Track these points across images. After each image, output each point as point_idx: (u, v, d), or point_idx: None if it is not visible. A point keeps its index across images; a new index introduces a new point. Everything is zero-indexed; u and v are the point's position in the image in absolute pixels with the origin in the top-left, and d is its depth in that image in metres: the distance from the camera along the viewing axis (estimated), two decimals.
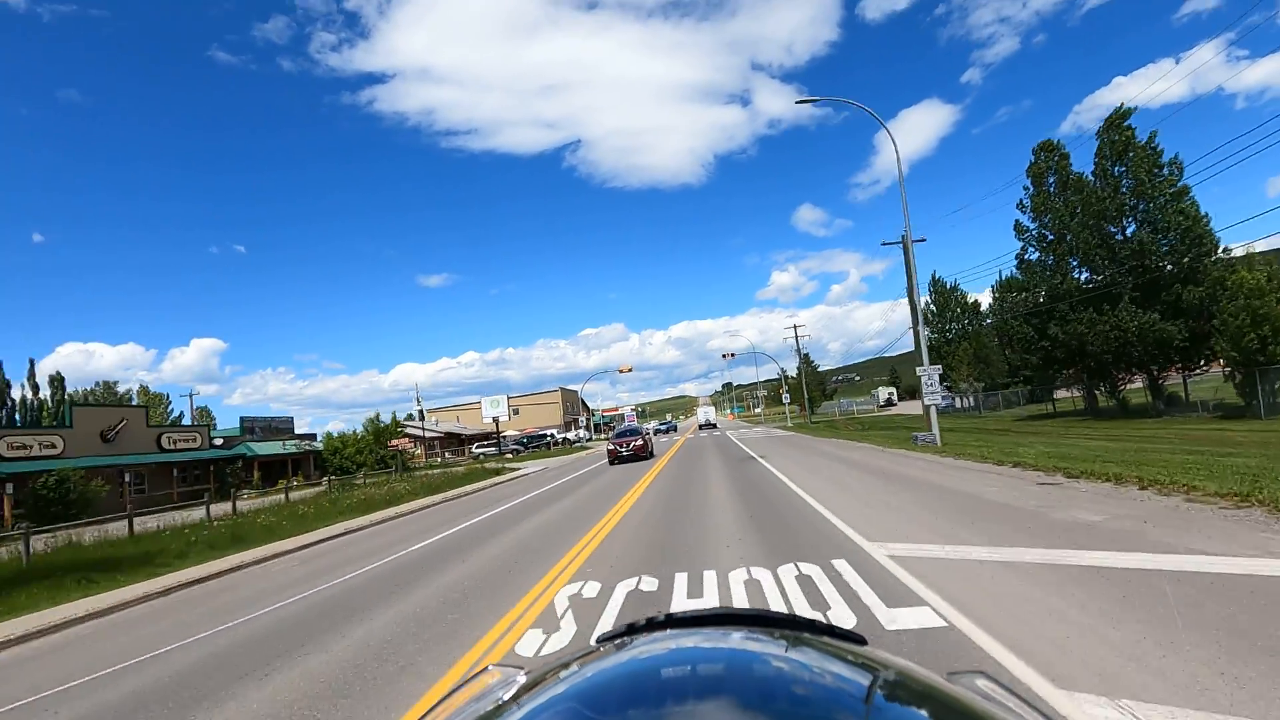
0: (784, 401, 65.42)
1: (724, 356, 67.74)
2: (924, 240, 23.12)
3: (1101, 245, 29.15)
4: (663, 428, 76.56)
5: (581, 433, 75.20)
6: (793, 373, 76.55)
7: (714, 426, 66.42)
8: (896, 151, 22.29)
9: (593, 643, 1.17)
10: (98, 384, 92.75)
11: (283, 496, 24.74)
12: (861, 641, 1.09)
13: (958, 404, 56.88)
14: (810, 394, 65.25)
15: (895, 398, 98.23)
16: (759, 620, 1.15)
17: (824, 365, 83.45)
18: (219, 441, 41.57)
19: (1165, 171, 27.28)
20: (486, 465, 35.33)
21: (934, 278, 58.73)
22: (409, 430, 58.25)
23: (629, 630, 1.15)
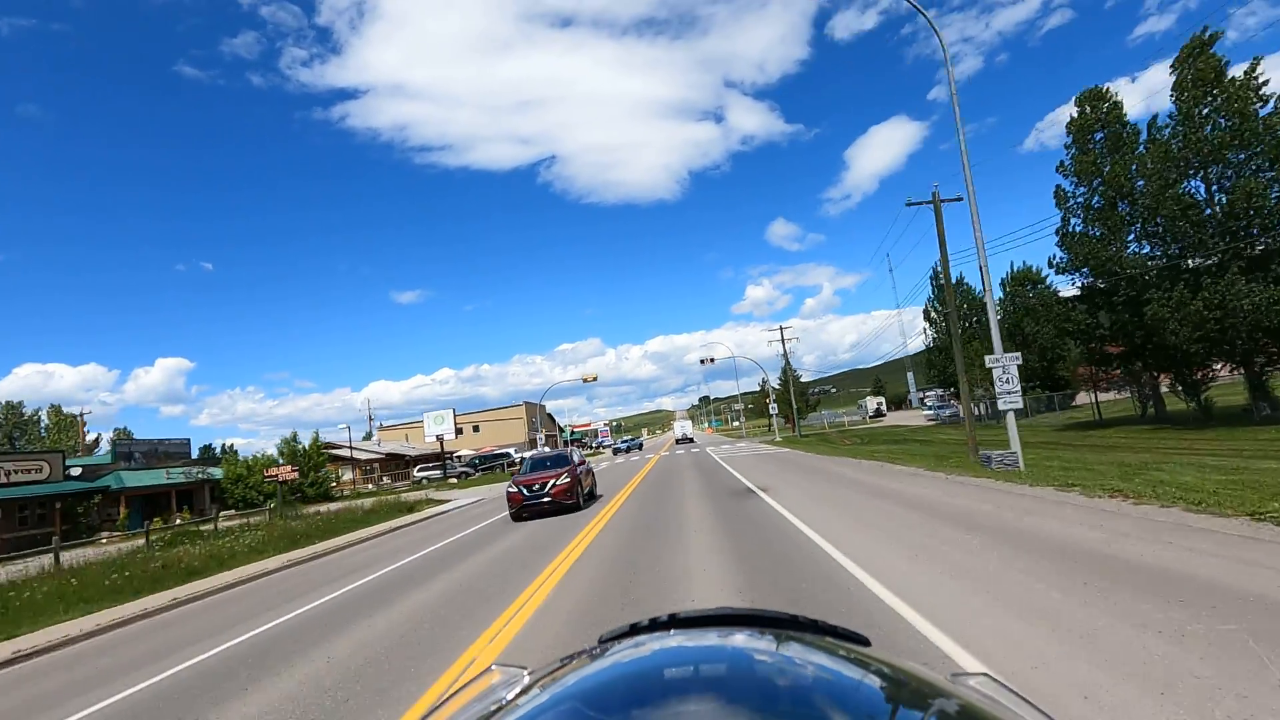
0: (771, 413, 58.75)
1: (702, 362, 60.60)
2: (960, 199, 16.79)
3: (1183, 207, 22.84)
4: (624, 446, 66.84)
5: (544, 450, 67.49)
6: (775, 382, 69.88)
7: (690, 440, 62.07)
8: (944, 48, 15.69)
9: (596, 643, 1.13)
10: (2, 404, 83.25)
11: (144, 540, 17.25)
12: (865, 643, 1.07)
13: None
14: (796, 405, 58.63)
15: (884, 407, 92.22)
16: (762, 621, 1.11)
17: (801, 378, 76.91)
18: (76, 472, 33.31)
19: (1272, 106, 21.14)
20: (404, 497, 27.69)
21: (935, 271, 52.20)
22: (338, 452, 50.18)
23: (632, 630, 1.12)
